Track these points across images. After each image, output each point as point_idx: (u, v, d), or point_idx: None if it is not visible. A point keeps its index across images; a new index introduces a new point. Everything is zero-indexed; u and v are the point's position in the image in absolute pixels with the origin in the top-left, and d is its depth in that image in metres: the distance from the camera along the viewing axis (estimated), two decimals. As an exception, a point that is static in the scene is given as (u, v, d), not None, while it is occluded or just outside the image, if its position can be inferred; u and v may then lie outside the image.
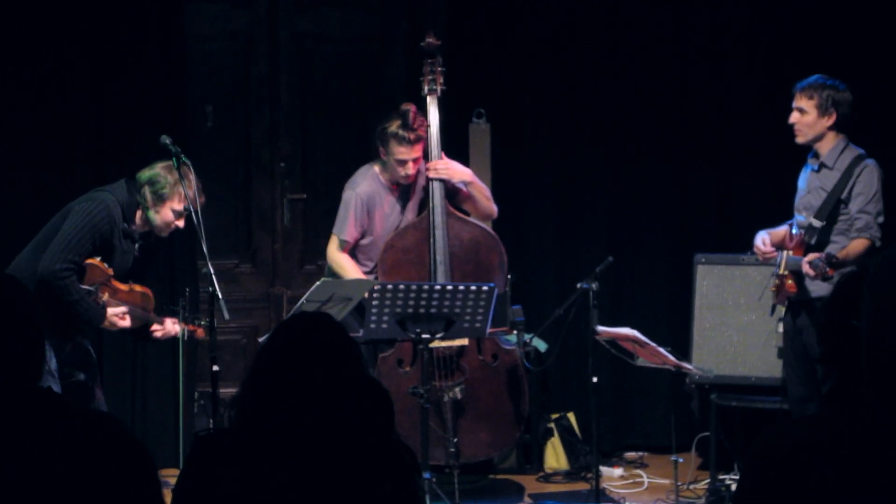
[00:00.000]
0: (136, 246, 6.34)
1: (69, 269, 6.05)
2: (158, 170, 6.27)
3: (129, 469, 2.54)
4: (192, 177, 6.27)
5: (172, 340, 7.42)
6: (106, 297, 6.20)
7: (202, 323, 6.53)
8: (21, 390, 2.54)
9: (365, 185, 7.10)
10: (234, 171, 8.45)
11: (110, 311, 6.22)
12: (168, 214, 6.24)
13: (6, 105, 7.52)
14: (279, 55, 8.46)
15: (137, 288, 6.39)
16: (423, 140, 7.03)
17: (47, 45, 7.55)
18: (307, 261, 8.50)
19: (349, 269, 7.03)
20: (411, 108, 7.00)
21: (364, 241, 7.15)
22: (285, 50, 8.47)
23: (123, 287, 6.29)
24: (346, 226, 7.07)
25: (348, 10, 8.54)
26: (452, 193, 7.21)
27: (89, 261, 6.11)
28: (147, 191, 6.23)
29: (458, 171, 7.16)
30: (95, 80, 7.65)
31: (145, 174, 6.27)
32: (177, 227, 6.33)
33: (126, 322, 6.31)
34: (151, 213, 6.25)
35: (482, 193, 7.23)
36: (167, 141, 6.42)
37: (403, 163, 6.98)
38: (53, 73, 7.57)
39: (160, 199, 6.22)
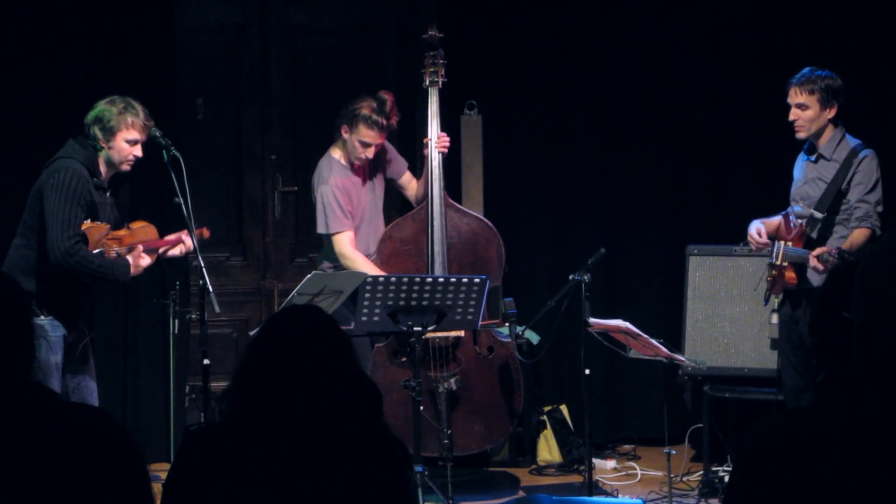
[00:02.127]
0: (108, 194, 6.29)
1: (77, 243, 6.01)
2: (101, 106, 6.21)
3: (118, 464, 2.52)
4: (138, 105, 6.22)
5: (163, 334, 7.43)
6: (115, 249, 6.15)
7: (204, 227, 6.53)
8: (10, 385, 2.53)
9: (334, 175, 7.12)
10: (225, 163, 8.44)
11: (130, 257, 6.18)
12: (123, 146, 6.18)
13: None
14: (270, 47, 8.45)
15: (136, 225, 6.34)
16: (391, 131, 7.08)
17: (37, 36, 7.53)
18: (298, 253, 8.49)
19: (361, 264, 7.00)
20: (389, 97, 7.07)
21: None
22: (276, 42, 8.45)
23: (123, 232, 6.24)
24: (338, 218, 7.06)
25: (340, 1, 8.52)
26: (398, 170, 7.27)
27: (84, 226, 6.06)
28: (96, 129, 6.17)
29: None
30: (86, 72, 7.62)
31: (90, 115, 6.21)
32: (136, 157, 6.24)
33: (147, 260, 6.26)
34: (107, 152, 6.19)
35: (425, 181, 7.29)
36: (157, 133, 6.40)
37: (367, 146, 7.02)
38: (43, 64, 7.55)
39: (110, 132, 6.16)
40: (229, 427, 2.98)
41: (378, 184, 7.26)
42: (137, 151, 6.23)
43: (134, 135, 6.19)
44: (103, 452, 2.51)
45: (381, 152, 7.26)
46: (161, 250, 6.41)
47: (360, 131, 7.00)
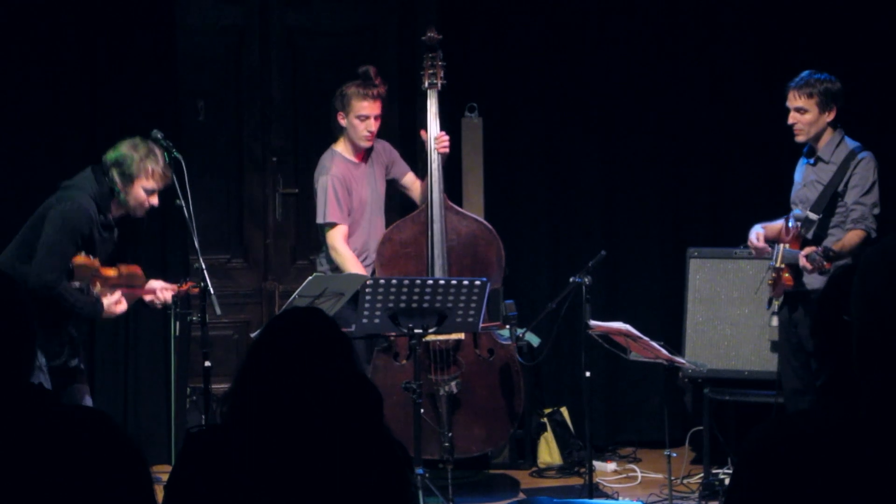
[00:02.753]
0: (115, 232, 6.31)
1: (59, 278, 6.01)
2: (123, 149, 6.20)
3: (120, 466, 2.52)
4: (159, 152, 6.22)
5: (164, 336, 7.42)
6: (98, 287, 6.15)
7: (188, 282, 6.51)
8: (11, 386, 2.53)
9: (334, 167, 7.13)
10: (226, 165, 8.44)
11: (106, 301, 6.18)
12: (140, 193, 6.18)
13: (-2, 100, 7.51)
14: (271, 49, 8.45)
15: (125, 269, 6.32)
16: (383, 98, 7.10)
17: (39, 38, 7.52)
18: (299, 255, 8.49)
19: (349, 261, 7.01)
20: (370, 67, 7.13)
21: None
22: (277, 43, 8.46)
23: (112, 273, 6.22)
24: (330, 208, 7.06)
25: (339, 3, 8.53)
26: (400, 170, 7.29)
27: (75, 259, 6.04)
28: (115, 173, 6.15)
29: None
30: (87, 74, 7.62)
31: (111, 156, 6.20)
32: (151, 206, 6.26)
33: (123, 306, 6.26)
34: (123, 196, 6.18)
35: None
36: (158, 135, 6.41)
37: (365, 118, 7.05)
38: (45, 66, 7.54)
39: (129, 178, 6.15)
40: (230, 429, 2.98)
41: (380, 182, 7.27)
42: (154, 201, 6.24)
43: (152, 184, 6.19)
44: (105, 454, 2.51)
45: (383, 152, 7.27)
46: (145, 296, 6.42)
47: (354, 106, 7.04)
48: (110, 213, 6.22)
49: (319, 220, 7.12)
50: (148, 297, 6.42)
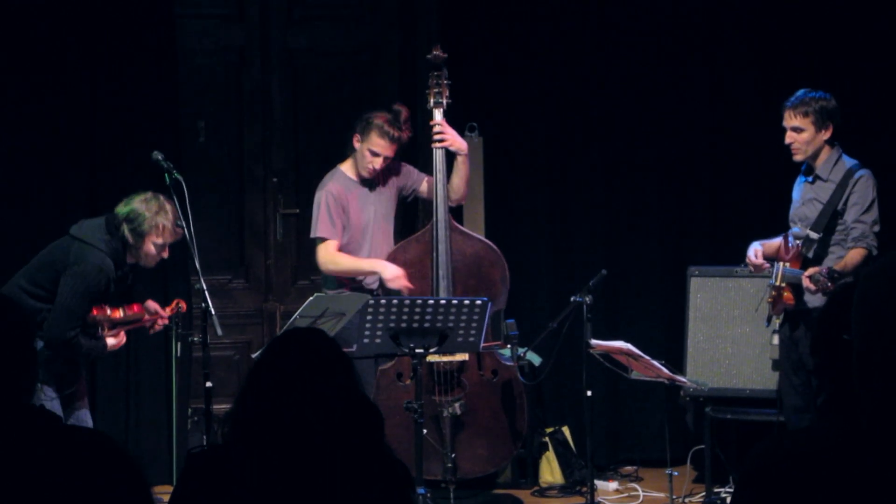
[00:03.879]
0: (128, 277, 6.42)
1: (76, 335, 6.18)
2: (135, 205, 6.27)
3: (121, 487, 2.52)
4: (170, 207, 6.28)
5: (166, 357, 7.44)
6: (106, 330, 6.33)
7: (174, 301, 6.60)
8: (13, 408, 2.53)
9: (333, 184, 7.15)
10: (227, 186, 8.45)
11: (110, 342, 6.35)
12: (150, 248, 6.27)
13: (-1, 122, 7.52)
14: (271, 69, 8.47)
15: (129, 312, 6.43)
16: (401, 144, 7.09)
17: (40, 61, 7.54)
18: (300, 276, 8.49)
19: (344, 261, 7.04)
20: (404, 109, 7.11)
21: (343, 239, 7.16)
22: (277, 64, 8.47)
23: (118, 315, 6.36)
24: (321, 223, 7.08)
25: (340, 23, 8.55)
26: (415, 181, 7.32)
27: (91, 314, 6.24)
28: (125, 229, 6.24)
29: (458, 140, 7.25)
30: (88, 95, 7.64)
31: (122, 210, 6.27)
32: (163, 259, 6.37)
33: (122, 339, 6.42)
34: (134, 250, 6.29)
35: (465, 175, 7.27)
36: (159, 157, 6.43)
37: (375, 155, 7.05)
38: (46, 87, 7.56)
39: (140, 235, 6.24)
40: (232, 450, 2.98)
41: (386, 204, 7.24)
42: (165, 254, 6.34)
43: (163, 240, 6.28)
44: (106, 474, 2.51)
45: (396, 176, 7.26)
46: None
47: (371, 139, 7.04)
48: (125, 266, 6.33)
49: (312, 234, 7.15)
50: (147, 325, 6.54)
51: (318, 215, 7.10)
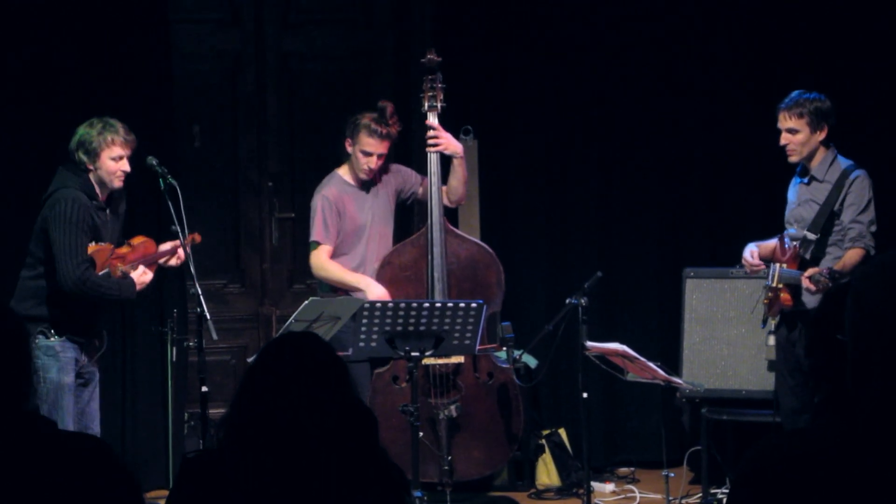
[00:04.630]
0: (108, 212, 6.44)
1: (87, 270, 6.18)
2: (81, 130, 6.40)
3: (114, 493, 2.52)
4: (117, 122, 6.39)
5: (161, 362, 7.44)
6: (120, 268, 6.31)
7: (190, 235, 6.63)
8: (7, 414, 2.53)
9: (330, 188, 7.16)
10: (222, 190, 8.44)
11: (134, 275, 6.36)
12: (109, 164, 6.34)
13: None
14: (266, 74, 8.47)
15: (136, 241, 6.50)
16: (392, 139, 7.10)
17: (35, 65, 7.53)
18: (296, 280, 8.49)
19: (333, 270, 7.05)
20: (389, 105, 7.11)
21: (338, 240, 7.17)
22: (272, 69, 8.47)
23: (125, 250, 6.41)
24: (316, 228, 7.10)
25: (335, 27, 8.55)
26: (412, 184, 7.31)
27: (90, 249, 6.23)
28: (80, 154, 6.35)
29: (453, 143, 7.24)
30: (83, 100, 7.62)
31: (73, 141, 6.39)
32: (124, 172, 6.39)
33: (150, 275, 6.45)
34: (96, 173, 6.35)
35: (462, 177, 7.27)
36: (154, 161, 6.45)
37: (368, 154, 7.06)
38: (41, 92, 7.55)
39: (94, 154, 6.33)
40: (227, 454, 2.98)
41: (384, 207, 7.24)
42: (124, 166, 6.39)
43: (117, 151, 6.35)
44: (99, 482, 2.51)
45: (392, 178, 7.25)
46: (161, 261, 6.56)
47: (361, 140, 7.05)
48: (99, 197, 6.36)
49: (310, 237, 7.16)
50: (163, 260, 6.56)
51: (314, 219, 7.12)
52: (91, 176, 6.35)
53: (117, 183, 6.38)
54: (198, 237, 6.73)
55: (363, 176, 7.14)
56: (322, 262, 7.11)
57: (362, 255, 7.18)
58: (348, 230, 7.15)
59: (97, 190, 6.36)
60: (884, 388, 2.25)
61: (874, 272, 2.33)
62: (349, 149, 7.13)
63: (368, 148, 7.04)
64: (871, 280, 2.31)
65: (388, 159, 7.25)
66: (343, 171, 7.22)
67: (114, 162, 6.33)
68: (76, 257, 6.17)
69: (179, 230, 6.33)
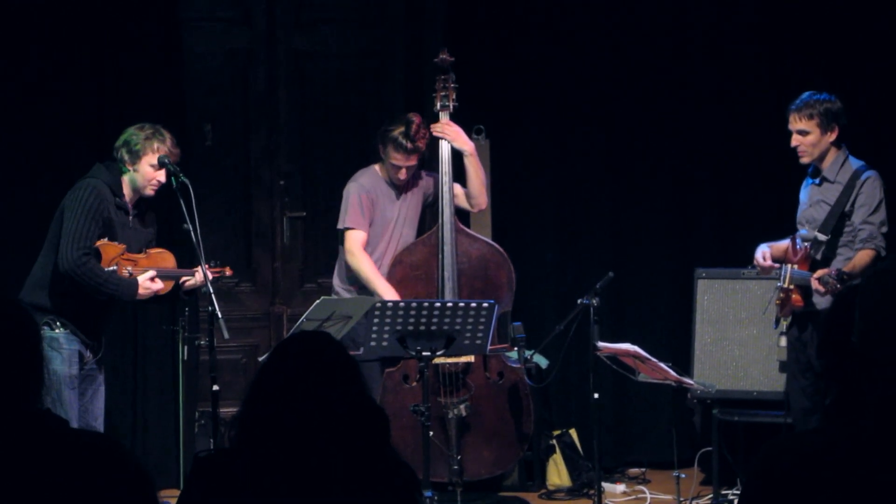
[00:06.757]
0: (131, 218, 6.43)
1: (86, 255, 6.17)
2: (130, 130, 6.42)
3: (128, 490, 2.53)
4: (166, 132, 6.40)
5: (172, 361, 7.44)
6: (128, 269, 6.30)
7: (218, 268, 6.60)
8: (18, 412, 2.53)
9: (365, 178, 7.20)
10: (234, 189, 8.45)
11: (140, 277, 6.31)
12: (147, 170, 6.35)
13: (6, 126, 7.52)
14: (278, 72, 8.47)
15: (153, 251, 6.49)
16: (421, 152, 7.10)
17: (47, 64, 7.55)
18: (307, 279, 8.50)
19: (366, 264, 7.04)
20: (416, 118, 7.09)
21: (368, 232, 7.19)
22: (284, 67, 8.48)
23: (140, 256, 6.40)
24: (351, 213, 7.11)
25: (346, 26, 8.55)
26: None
27: (99, 243, 6.22)
28: (123, 152, 6.37)
29: (461, 137, 7.23)
30: (95, 98, 7.64)
31: (120, 139, 6.42)
32: (159, 182, 6.39)
33: (159, 284, 6.38)
34: (132, 174, 6.36)
35: (478, 178, 7.25)
36: (166, 160, 6.44)
37: (397, 168, 7.07)
38: (53, 90, 7.57)
39: (136, 155, 6.34)
40: (239, 453, 2.98)
41: (412, 209, 7.26)
42: (161, 176, 6.39)
43: (158, 159, 6.34)
44: (113, 479, 2.52)
45: (424, 185, 7.26)
46: (181, 280, 6.48)
47: (389, 153, 7.08)
48: (124, 197, 6.37)
49: (340, 225, 7.17)
50: (189, 282, 6.50)
51: (348, 206, 7.13)
52: (126, 177, 6.37)
53: (150, 191, 6.40)
54: (228, 270, 6.72)
55: (397, 182, 7.17)
56: (357, 250, 7.10)
57: (381, 253, 7.19)
58: (377, 220, 7.17)
59: (125, 189, 6.38)
60: (891, 389, 2.25)
61: (883, 274, 2.33)
62: (382, 154, 7.15)
63: (397, 162, 7.06)
64: (876, 283, 2.31)
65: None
66: (379, 168, 7.23)
67: (152, 169, 6.34)
68: (79, 241, 6.16)
69: (191, 228, 6.33)
